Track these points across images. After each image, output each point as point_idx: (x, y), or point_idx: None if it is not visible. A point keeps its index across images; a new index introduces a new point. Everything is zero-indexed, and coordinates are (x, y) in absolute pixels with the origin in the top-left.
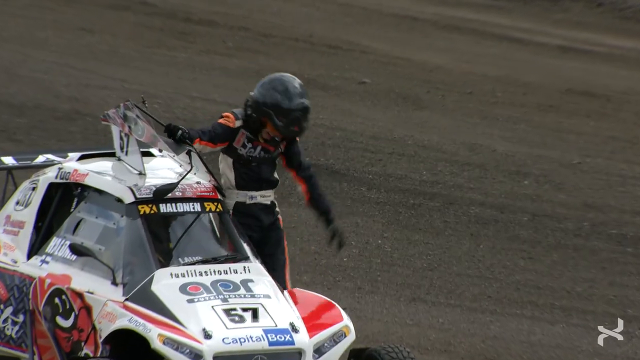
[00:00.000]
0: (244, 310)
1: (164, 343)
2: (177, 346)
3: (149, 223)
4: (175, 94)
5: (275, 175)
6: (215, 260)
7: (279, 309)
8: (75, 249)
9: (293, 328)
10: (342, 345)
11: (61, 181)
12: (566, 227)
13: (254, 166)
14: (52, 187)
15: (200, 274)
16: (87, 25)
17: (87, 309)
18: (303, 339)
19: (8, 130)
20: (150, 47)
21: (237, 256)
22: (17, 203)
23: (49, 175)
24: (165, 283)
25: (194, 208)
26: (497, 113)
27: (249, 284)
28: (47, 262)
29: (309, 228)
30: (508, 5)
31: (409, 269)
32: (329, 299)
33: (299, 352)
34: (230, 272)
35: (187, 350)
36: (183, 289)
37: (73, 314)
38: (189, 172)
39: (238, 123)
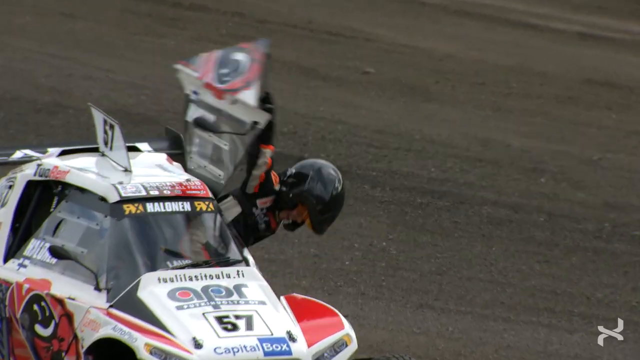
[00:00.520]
0: (238, 317)
1: (151, 353)
2: (166, 356)
3: (135, 224)
4: (164, 85)
5: None
6: (207, 263)
7: (275, 317)
8: (56, 252)
9: (290, 337)
10: (343, 355)
11: (40, 179)
12: (585, 228)
13: (243, 233)
14: (30, 185)
15: (190, 279)
16: (69, 11)
17: (69, 317)
18: (301, 349)
19: None
20: (138, 34)
21: (229, 259)
22: None
23: (27, 173)
24: (152, 288)
25: (183, 207)
26: (511, 105)
27: (243, 290)
28: (25, 266)
29: (308, 230)
30: None
31: (416, 273)
32: (329, 306)
33: None
34: (223, 277)
35: None
36: (172, 294)
37: (53, 321)
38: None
39: (277, 187)
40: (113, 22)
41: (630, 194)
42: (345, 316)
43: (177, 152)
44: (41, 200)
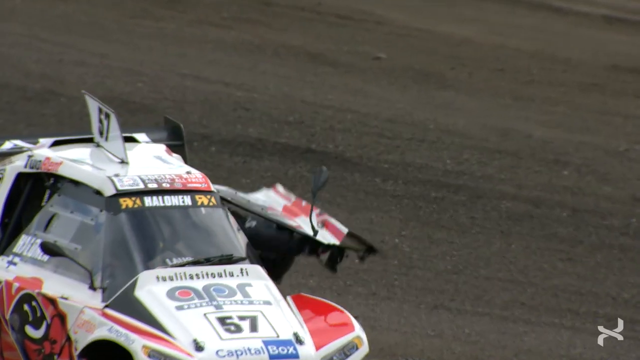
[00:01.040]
0: (241, 318)
1: (149, 356)
2: (164, 359)
3: (132, 218)
4: (162, 72)
5: None
6: (208, 261)
7: (281, 318)
8: (48, 249)
9: (297, 339)
10: (353, 359)
11: (31, 171)
12: (611, 224)
13: None
14: (20, 177)
15: (191, 277)
16: None
17: (61, 317)
18: (309, 352)
19: None
20: (134, 17)
21: (233, 256)
22: None
23: (17, 164)
24: (150, 287)
25: (183, 201)
26: (532, 93)
27: (247, 289)
28: (14, 264)
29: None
30: None
31: (430, 272)
32: (338, 306)
33: None
34: (225, 275)
35: None
36: (171, 294)
37: (45, 322)
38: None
39: None
40: (108, 4)
41: None
42: (355, 317)
43: (177, 143)
44: (32, 193)
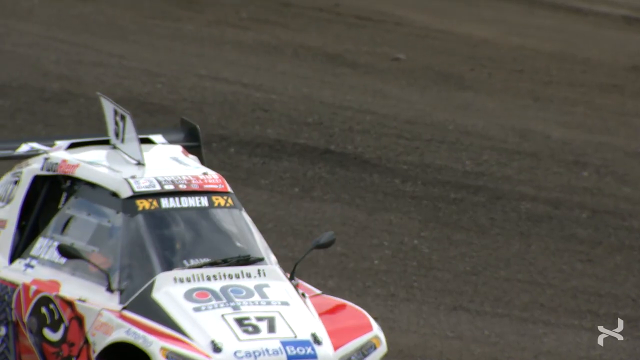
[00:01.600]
0: (259, 319)
1: (167, 357)
2: None
3: (149, 220)
4: (180, 72)
5: None
6: (226, 262)
7: (299, 318)
8: (65, 251)
9: (315, 339)
10: (371, 359)
11: (48, 173)
12: (631, 225)
13: None
14: (37, 180)
15: (209, 279)
16: None
17: (79, 320)
18: (327, 352)
19: None
20: (153, 18)
21: (250, 257)
22: None
23: (34, 167)
24: (168, 289)
25: (200, 202)
26: (551, 94)
27: (264, 290)
28: (32, 267)
29: (335, 226)
30: None
31: (449, 273)
32: (356, 306)
33: None
34: (243, 276)
35: None
36: (189, 295)
37: (63, 325)
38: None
39: None
40: (126, 5)
41: None
42: (374, 318)
43: (193, 145)
44: (49, 196)
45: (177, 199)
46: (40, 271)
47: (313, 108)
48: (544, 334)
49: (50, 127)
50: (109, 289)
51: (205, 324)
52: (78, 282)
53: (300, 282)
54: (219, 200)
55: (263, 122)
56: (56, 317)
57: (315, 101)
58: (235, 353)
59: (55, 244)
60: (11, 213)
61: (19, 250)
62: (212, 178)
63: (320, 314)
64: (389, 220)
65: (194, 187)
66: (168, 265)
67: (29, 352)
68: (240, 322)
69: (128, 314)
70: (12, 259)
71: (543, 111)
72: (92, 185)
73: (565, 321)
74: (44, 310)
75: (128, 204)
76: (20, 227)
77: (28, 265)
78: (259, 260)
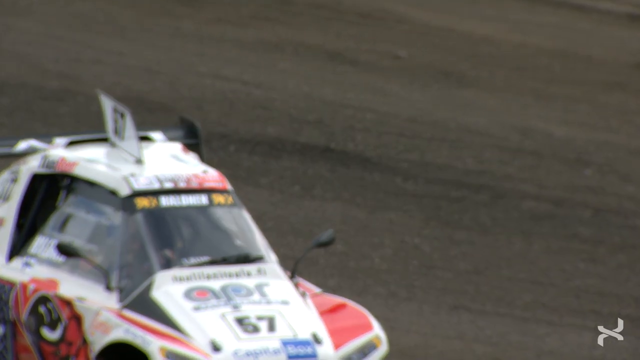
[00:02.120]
0: (259, 318)
1: (166, 357)
2: None
3: (148, 218)
4: (180, 70)
5: None
6: (226, 261)
7: (299, 317)
8: (64, 250)
9: (316, 339)
10: (372, 359)
11: (46, 171)
12: (634, 224)
13: None
14: (35, 178)
15: (208, 277)
16: None
17: (77, 319)
18: (327, 352)
19: None
20: (152, 15)
21: (250, 256)
22: None
23: (32, 165)
24: (167, 288)
25: (200, 201)
26: (553, 92)
27: (265, 289)
28: (30, 265)
29: (335, 225)
30: None
31: (450, 273)
32: (357, 306)
33: None
34: (243, 275)
35: None
36: (188, 294)
37: (61, 324)
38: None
39: None
40: (125, 3)
41: None
42: (374, 318)
43: (193, 142)
44: (47, 194)
45: (176, 197)
46: (38, 270)
47: (313, 106)
48: (546, 334)
49: (49, 125)
50: (108, 288)
51: (204, 323)
52: (76, 280)
53: (301, 281)
54: (219, 198)
55: (263, 120)
56: (54, 316)
57: (316, 99)
58: (235, 352)
59: (54, 242)
60: (9, 211)
61: (17, 248)
62: (212, 176)
63: (321, 313)
64: (389, 218)
65: (194, 185)
66: (167, 264)
67: (27, 352)
68: (240, 321)
69: (127, 313)
70: (10, 257)
71: (545, 109)
72: (91, 183)
73: (568, 321)
74: (42, 309)
75: (127, 202)
76: (18, 225)
77: (26, 264)
78: (259, 258)
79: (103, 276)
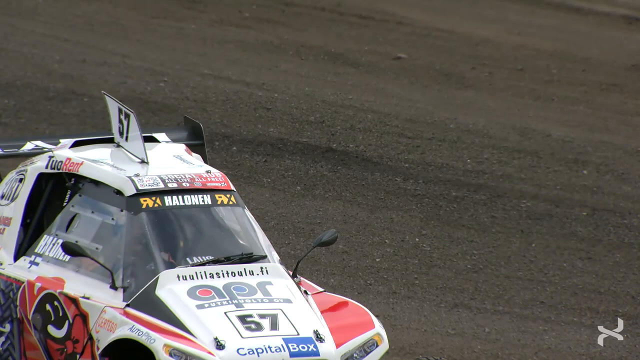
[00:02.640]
0: (262, 316)
1: (170, 355)
2: (186, 358)
3: (152, 218)
4: (183, 71)
5: None
6: (229, 260)
7: (301, 316)
8: (69, 249)
9: (317, 337)
10: (374, 356)
11: (52, 171)
12: (631, 223)
13: None
14: (42, 178)
15: (212, 276)
16: None
17: (83, 317)
18: (329, 349)
19: None
20: (156, 17)
21: (253, 255)
22: (2, 197)
23: (39, 165)
24: (171, 286)
25: (203, 200)
26: (552, 93)
27: (267, 287)
28: (36, 264)
29: (336, 224)
30: None
31: (450, 271)
32: (358, 304)
33: None
34: (246, 274)
35: None
36: (192, 293)
37: (67, 322)
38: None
39: None
40: (129, 4)
41: None
42: (376, 316)
43: (197, 143)
44: (53, 194)
45: (180, 197)
46: (44, 268)
47: (315, 107)
48: (544, 331)
49: (54, 126)
50: (113, 286)
51: (208, 321)
52: (82, 279)
53: (303, 279)
54: (222, 198)
55: (265, 121)
56: (60, 314)
57: (317, 100)
58: (238, 350)
59: (60, 241)
60: (16, 211)
61: (24, 247)
62: (215, 176)
63: (323, 312)
64: (390, 218)
65: (197, 185)
66: (171, 263)
67: (34, 349)
68: (243, 319)
69: (132, 311)
70: (16, 256)
71: (544, 110)
72: (96, 183)
73: (566, 318)
74: (48, 307)
75: (132, 202)
76: (24, 224)
77: (33, 263)
78: (262, 258)
79: (108, 275)
